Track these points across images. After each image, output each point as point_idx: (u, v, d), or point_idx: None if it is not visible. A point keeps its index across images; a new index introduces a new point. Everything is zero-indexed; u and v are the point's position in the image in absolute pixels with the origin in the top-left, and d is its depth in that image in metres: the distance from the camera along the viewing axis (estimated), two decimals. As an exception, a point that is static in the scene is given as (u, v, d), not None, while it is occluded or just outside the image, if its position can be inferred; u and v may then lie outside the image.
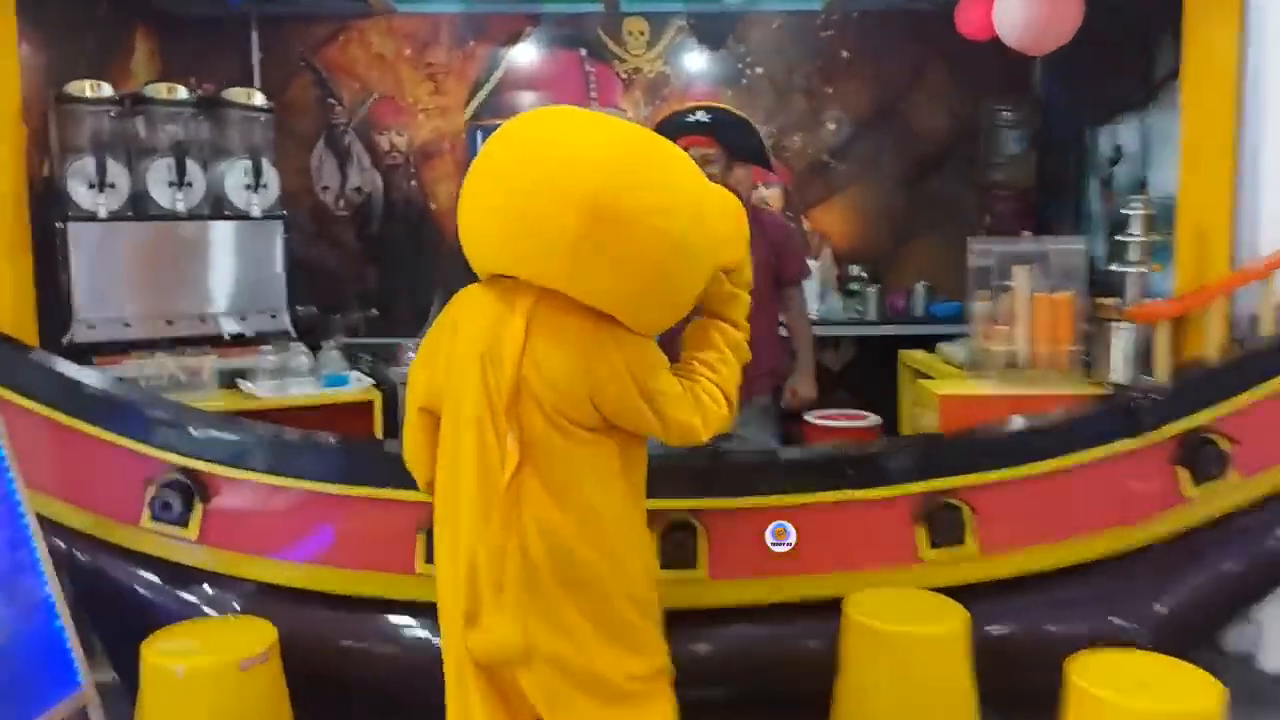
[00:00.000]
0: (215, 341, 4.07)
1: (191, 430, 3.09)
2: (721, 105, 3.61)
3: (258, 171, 4.07)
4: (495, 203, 1.96)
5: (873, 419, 4.97)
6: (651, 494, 2.24)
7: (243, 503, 3.05)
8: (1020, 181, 5.90)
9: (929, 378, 4.39)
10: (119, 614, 3.07)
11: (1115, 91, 5.06)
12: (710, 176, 2.64)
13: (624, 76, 6.15)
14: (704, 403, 2.09)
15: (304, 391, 3.97)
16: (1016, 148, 5.86)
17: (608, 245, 1.86)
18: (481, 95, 6.11)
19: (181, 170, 3.91)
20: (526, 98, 6.07)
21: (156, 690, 2.57)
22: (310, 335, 5.93)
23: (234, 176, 4.08)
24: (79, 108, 3.87)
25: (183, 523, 3.03)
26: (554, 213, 1.86)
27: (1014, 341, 3.80)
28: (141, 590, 3.11)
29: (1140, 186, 4.82)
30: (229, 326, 4.07)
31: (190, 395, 3.79)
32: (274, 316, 4.23)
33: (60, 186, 3.84)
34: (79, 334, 3.86)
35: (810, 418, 4.76)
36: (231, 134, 4.14)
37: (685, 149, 2.88)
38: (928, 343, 5.00)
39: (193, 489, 3.03)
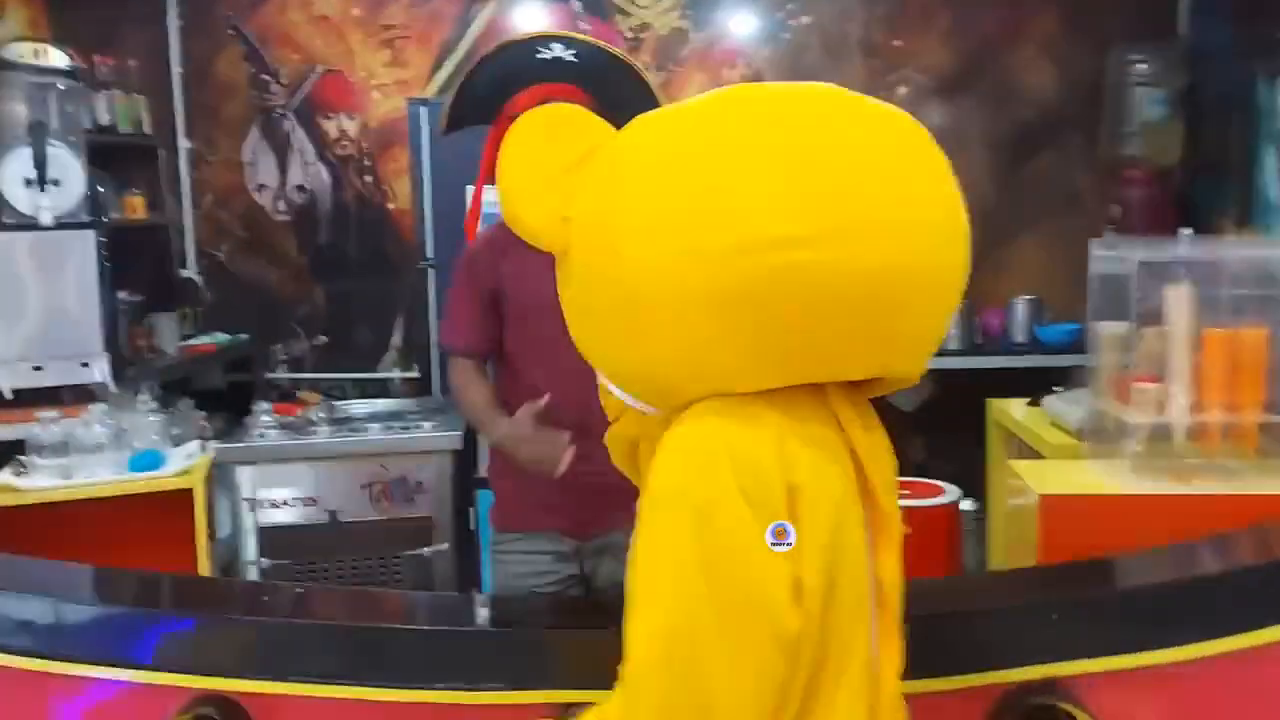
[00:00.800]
0: (-6, 403, 2.88)
1: None
2: (589, 39, 2.30)
3: (40, 163, 2.85)
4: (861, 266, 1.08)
5: (949, 493, 3.56)
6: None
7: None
8: (1161, 157, 4.49)
9: (1032, 452, 2.95)
10: None
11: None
12: None
13: (629, 35, 4.82)
14: None
15: (96, 478, 2.75)
16: (1156, 112, 4.44)
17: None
18: (449, 65, 4.84)
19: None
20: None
21: None
22: (243, 370, 4.87)
23: (12, 169, 2.87)
24: None
25: None
26: (949, 262, 1.17)
27: (1166, 404, 2.35)
28: None
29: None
30: (7, 380, 2.86)
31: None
32: (84, 365, 3.01)
33: None
34: None
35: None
36: (12, 109, 2.93)
37: (533, 104, 1.72)
38: (1034, 379, 3.57)
39: None
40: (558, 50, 2.20)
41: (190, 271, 4.90)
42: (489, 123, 2.23)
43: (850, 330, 1.11)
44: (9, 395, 2.93)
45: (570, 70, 2.19)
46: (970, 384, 4.21)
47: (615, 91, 2.21)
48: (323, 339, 4.97)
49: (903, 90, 4.75)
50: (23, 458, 2.82)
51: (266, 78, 4.89)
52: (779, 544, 1.12)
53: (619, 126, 1.51)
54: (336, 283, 4.98)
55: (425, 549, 2.99)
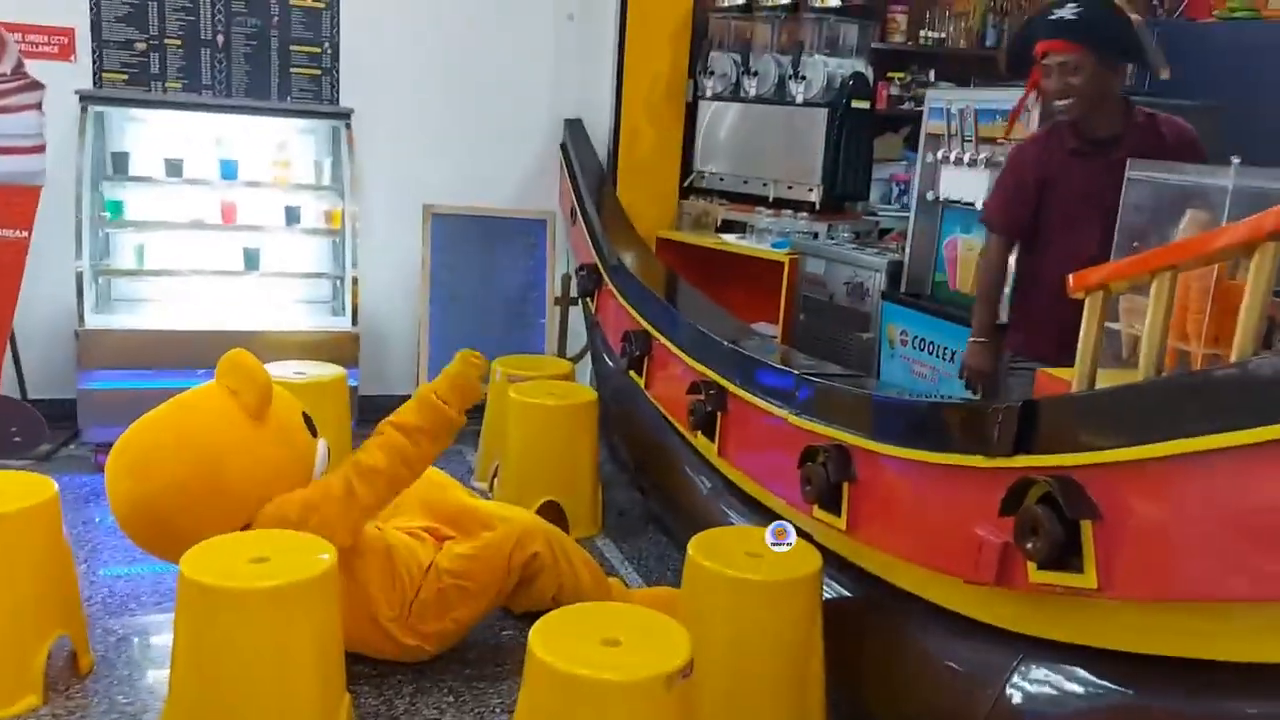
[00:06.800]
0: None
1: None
2: None
3: (795, 64, 4.60)
4: None
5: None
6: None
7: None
8: None
9: None
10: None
11: None
12: (1071, 86, 2.77)
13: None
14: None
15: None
16: None
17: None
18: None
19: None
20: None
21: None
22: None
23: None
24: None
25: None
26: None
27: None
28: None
29: None
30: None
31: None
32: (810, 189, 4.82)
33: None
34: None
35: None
36: (805, 36, 4.75)
37: (1043, 55, 2.80)
38: None
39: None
40: (1064, 11, 2.73)
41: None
42: (1027, 68, 2.95)
43: None
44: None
45: (1066, 28, 2.72)
46: None
47: (1104, 37, 2.73)
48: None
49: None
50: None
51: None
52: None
53: (1109, 61, 2.65)
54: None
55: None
